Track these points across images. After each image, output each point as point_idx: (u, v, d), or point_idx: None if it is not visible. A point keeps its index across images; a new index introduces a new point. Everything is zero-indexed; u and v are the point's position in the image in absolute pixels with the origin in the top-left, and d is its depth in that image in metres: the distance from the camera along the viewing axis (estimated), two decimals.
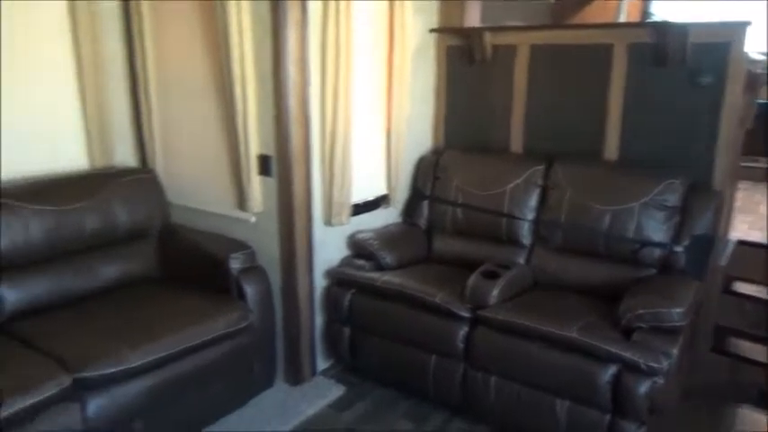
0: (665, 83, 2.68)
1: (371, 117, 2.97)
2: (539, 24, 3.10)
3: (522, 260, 2.85)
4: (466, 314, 2.47)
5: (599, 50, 2.82)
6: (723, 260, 3.07)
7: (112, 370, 2.02)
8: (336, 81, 2.60)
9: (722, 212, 2.70)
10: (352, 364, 2.90)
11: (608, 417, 2.20)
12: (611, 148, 2.85)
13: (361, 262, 2.88)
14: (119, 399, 2.06)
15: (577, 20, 3.15)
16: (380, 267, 2.85)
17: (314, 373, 2.89)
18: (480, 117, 3.23)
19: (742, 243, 3.51)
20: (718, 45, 2.55)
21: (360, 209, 2.98)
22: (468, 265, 2.74)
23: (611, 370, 2.15)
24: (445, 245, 3.08)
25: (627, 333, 2.23)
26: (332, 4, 2.52)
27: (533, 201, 2.86)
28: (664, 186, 2.55)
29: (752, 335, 2.96)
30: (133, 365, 2.07)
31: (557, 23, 3.19)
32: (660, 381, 2.10)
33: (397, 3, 2.84)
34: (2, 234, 2.27)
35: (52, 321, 2.27)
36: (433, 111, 3.37)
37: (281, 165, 2.59)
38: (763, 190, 5.46)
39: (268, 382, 2.72)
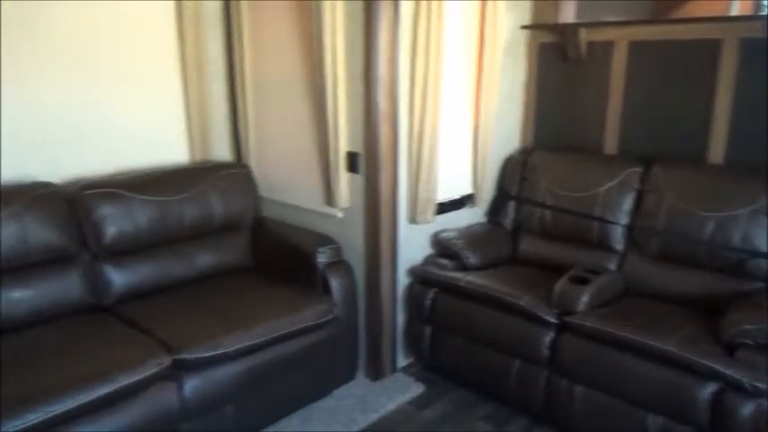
0: None
1: (459, 115, 2.95)
2: (639, 19, 2.94)
3: (613, 266, 2.73)
4: (552, 319, 2.40)
5: (705, 46, 2.64)
6: None
7: (208, 354, 2.14)
8: (425, 79, 2.61)
9: None
10: (432, 362, 2.89)
11: None
12: (717, 151, 2.66)
13: (444, 261, 2.87)
14: (213, 382, 2.17)
15: (681, 14, 2.96)
16: (464, 267, 2.83)
17: (394, 369, 2.91)
18: (572, 116, 3.13)
19: None
20: None
21: (444, 207, 2.97)
22: (555, 269, 2.67)
23: (712, 388, 2.02)
24: (531, 247, 3.00)
25: (730, 349, 2.08)
26: (423, 5, 2.52)
27: (628, 204, 2.73)
28: None
29: None
30: (227, 350, 2.17)
31: (658, 18, 3.01)
32: (765, 403, 1.95)
33: (489, 1, 2.80)
34: (112, 222, 2.45)
35: (155, 305, 2.43)
36: (521, 109, 3.30)
37: (368, 162, 2.63)
38: None
39: (350, 375, 2.77)
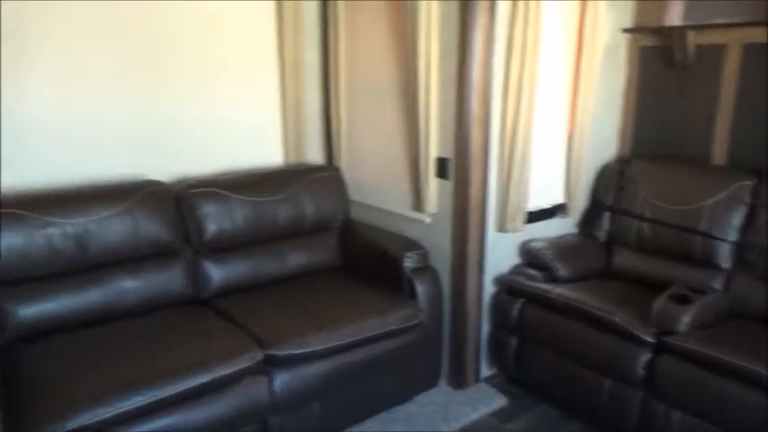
0: None
1: (553, 121, 2.87)
2: (754, 20, 2.73)
3: (718, 285, 2.54)
4: (649, 339, 2.27)
5: None
6: None
7: (298, 351, 2.20)
8: (520, 83, 2.56)
9: None
10: (517, 375, 2.83)
11: None
12: None
13: (533, 272, 2.79)
14: (301, 378, 2.23)
15: None
16: (554, 279, 2.74)
17: (477, 379, 2.87)
18: (676, 124, 2.95)
19: None
20: None
21: (534, 216, 2.90)
22: (653, 286, 2.53)
23: None
24: (627, 261, 2.86)
25: None
26: (521, 6, 2.48)
27: (738, 220, 2.54)
28: None
29: None
30: (316, 349, 2.23)
31: None
32: None
33: (590, 2, 2.71)
34: (213, 219, 2.58)
35: (248, 300, 2.54)
36: (619, 116, 3.16)
37: (458, 167, 2.61)
38: None
39: (432, 382, 2.76)
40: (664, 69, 2.95)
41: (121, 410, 1.83)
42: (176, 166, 2.77)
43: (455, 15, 2.47)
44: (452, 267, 2.73)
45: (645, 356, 2.28)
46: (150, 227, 2.41)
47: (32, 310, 2.18)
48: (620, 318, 2.36)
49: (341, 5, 3.03)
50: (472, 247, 2.68)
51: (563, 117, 2.90)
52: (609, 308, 2.42)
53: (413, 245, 2.70)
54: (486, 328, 2.87)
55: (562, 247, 2.88)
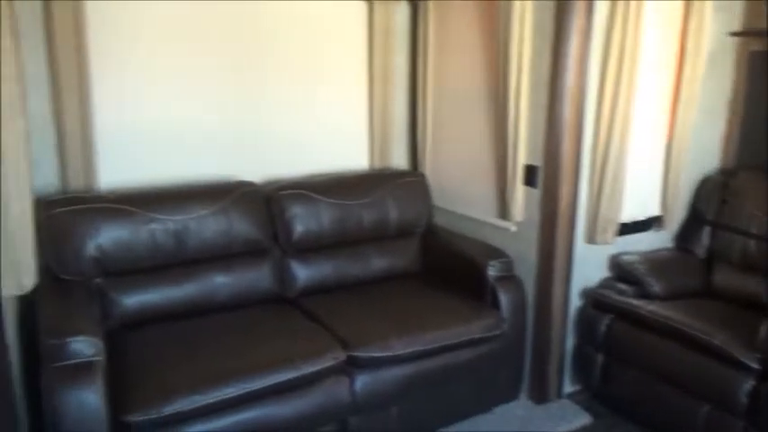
0: None
1: (650, 129, 2.73)
2: None
3: None
4: (754, 365, 2.11)
5: None
6: None
7: (380, 354, 2.22)
8: (616, 89, 2.46)
9: None
10: (603, 393, 2.70)
11: None
12: None
13: (623, 286, 2.67)
14: (381, 381, 2.25)
15: None
16: (646, 295, 2.60)
17: (560, 394, 2.77)
18: None
19: None
20: None
21: (626, 228, 2.76)
22: (758, 307, 2.38)
23: None
24: (729, 279, 2.67)
25: None
26: (620, 9, 2.39)
27: None
28: None
29: None
30: (398, 353, 2.24)
31: None
32: None
33: (696, 3, 2.56)
34: (301, 221, 2.65)
35: (332, 301, 2.59)
36: (723, 125, 2.96)
37: (547, 175, 2.55)
38: None
39: (513, 394, 2.69)
40: None
41: (213, 400, 1.91)
42: (265, 167, 2.85)
43: (550, 17, 2.41)
44: (537, 278, 2.66)
45: (748, 384, 2.12)
46: (242, 226, 2.51)
47: (135, 299, 2.32)
48: (720, 340, 2.21)
49: (431, 9, 3.03)
50: (559, 258, 2.60)
51: (661, 125, 2.75)
52: (708, 329, 2.27)
53: (497, 253, 2.65)
54: (570, 341, 2.77)
55: (656, 261, 2.73)
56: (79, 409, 1.73)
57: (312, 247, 2.72)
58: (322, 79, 2.98)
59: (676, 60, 2.68)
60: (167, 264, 2.39)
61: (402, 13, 3.13)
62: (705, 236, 2.81)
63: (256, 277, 2.57)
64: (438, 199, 3.13)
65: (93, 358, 1.80)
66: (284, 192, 2.67)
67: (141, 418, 1.80)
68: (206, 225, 2.43)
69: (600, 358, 2.66)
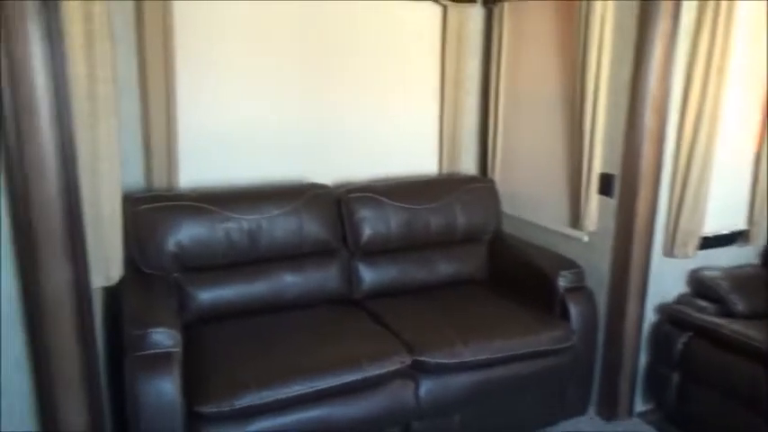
0: None
1: (738, 138, 2.59)
2: None
3: None
4: None
5: None
6: None
7: (446, 360, 2.20)
8: (702, 96, 2.35)
9: None
10: (677, 414, 2.57)
11: None
12: None
13: (703, 303, 2.53)
14: (446, 388, 2.23)
15: None
16: (728, 313, 2.46)
17: (631, 413, 2.66)
18: None
19: None
20: None
21: (708, 242, 2.63)
22: None
23: None
24: None
25: None
26: (709, 11, 2.28)
27: None
28: None
29: None
30: (464, 360, 2.22)
31: None
32: None
33: None
34: (369, 224, 2.67)
35: (398, 305, 2.59)
36: None
37: (624, 184, 2.45)
38: None
39: (581, 409, 2.61)
40: None
41: (281, 397, 1.96)
42: (336, 169, 2.90)
43: (632, 19, 2.32)
44: (610, 290, 2.57)
45: None
46: (313, 227, 2.55)
47: (210, 295, 2.41)
48: None
49: (506, 12, 3.00)
50: (634, 271, 2.50)
51: (750, 135, 2.60)
52: None
53: (568, 263, 2.58)
54: (643, 358, 2.66)
55: (741, 278, 2.58)
56: (157, 398, 1.81)
57: (379, 250, 2.73)
58: (394, 83, 3.00)
59: None
60: (241, 261, 2.47)
61: (476, 18, 3.12)
62: None
63: (324, 278, 2.61)
64: (507, 206, 3.08)
65: (172, 349, 1.88)
66: (354, 194, 2.70)
67: (214, 410, 1.86)
68: (278, 225, 2.49)
69: (675, 377, 2.54)
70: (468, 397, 2.29)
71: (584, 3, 2.39)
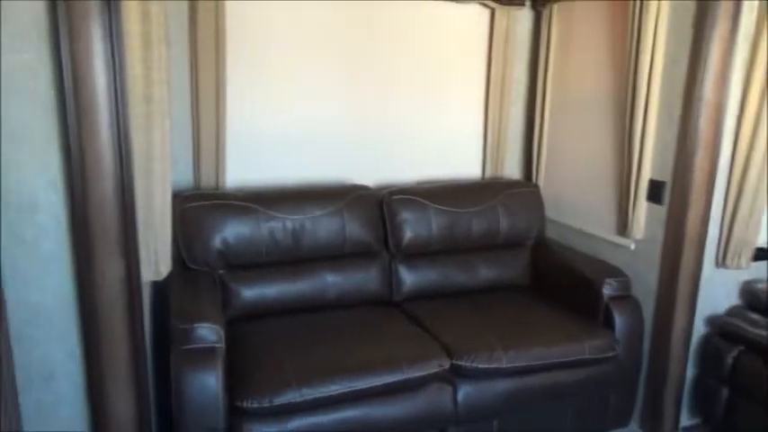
0: None
1: None
2: None
3: None
4: None
5: None
6: None
7: (486, 365, 2.19)
8: (762, 102, 2.26)
9: None
10: (725, 430, 2.48)
11: None
12: None
13: (756, 316, 2.43)
14: (484, 393, 2.22)
15: None
16: None
17: (676, 427, 2.58)
18: None
19: None
20: None
21: (763, 254, 2.52)
22: None
23: None
24: None
25: None
26: None
27: None
28: None
29: None
30: (503, 366, 2.20)
31: None
32: None
33: None
34: (410, 226, 2.67)
35: (438, 308, 2.58)
36: None
37: (675, 192, 2.38)
38: None
39: (622, 421, 2.55)
40: None
41: (320, 395, 1.98)
42: (379, 171, 2.92)
43: (688, 20, 2.25)
44: (657, 300, 2.49)
45: None
46: (355, 228, 2.57)
47: (253, 292, 2.45)
48: None
49: (555, 14, 2.95)
50: (683, 281, 2.42)
51: None
52: None
53: (614, 271, 2.52)
54: (690, 371, 2.57)
55: None
56: (201, 391, 1.85)
57: (420, 253, 2.73)
58: (439, 86, 3.00)
59: None
60: (283, 260, 2.51)
61: (524, 21, 3.09)
62: None
63: (365, 279, 2.63)
64: (551, 211, 3.03)
65: (216, 345, 1.92)
66: (396, 196, 2.71)
67: (255, 406, 1.90)
68: (321, 225, 2.52)
69: (725, 392, 2.44)
70: (506, 403, 2.26)
71: (637, 3, 2.33)
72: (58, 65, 1.49)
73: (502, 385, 2.23)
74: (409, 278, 2.71)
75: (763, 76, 2.24)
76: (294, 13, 2.66)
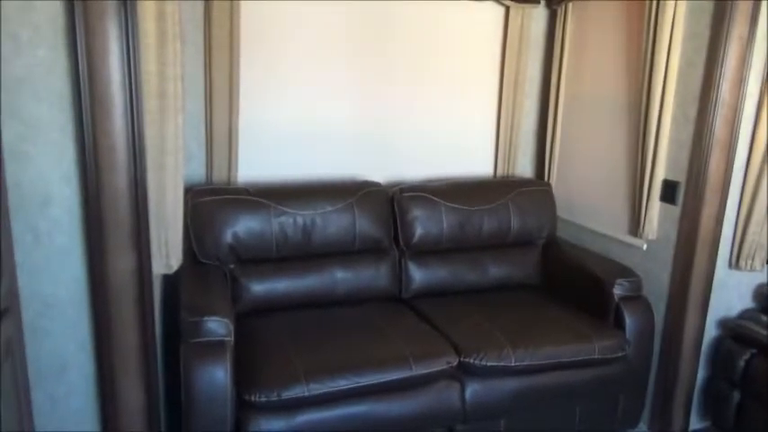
0: None
1: None
2: None
3: None
4: None
5: None
6: None
7: (494, 363, 2.18)
8: None
9: None
10: None
11: None
12: None
13: None
14: (492, 391, 2.22)
15: None
16: None
17: (685, 429, 2.56)
18: None
19: None
20: None
21: None
22: None
23: None
24: None
25: None
26: None
27: None
28: None
29: None
30: (512, 365, 2.19)
31: None
32: None
33: None
34: (421, 223, 2.67)
35: (447, 306, 2.58)
36: None
37: (689, 193, 2.36)
38: None
39: (631, 423, 2.53)
40: None
41: (328, 390, 1.98)
42: (391, 168, 2.92)
43: (705, 22, 2.23)
44: (669, 302, 2.47)
45: None
46: (365, 224, 2.57)
47: (263, 287, 2.46)
48: None
49: (570, 13, 2.93)
50: (696, 282, 2.40)
51: None
52: None
53: (625, 271, 2.50)
54: (701, 374, 2.55)
55: None
56: (210, 384, 1.87)
57: (430, 250, 2.73)
58: (452, 83, 2.99)
59: None
60: (293, 256, 2.52)
61: (539, 19, 3.07)
62: None
63: (374, 275, 2.63)
64: (563, 210, 3.02)
65: (225, 338, 1.93)
66: (407, 193, 2.71)
67: (263, 400, 1.91)
68: (331, 221, 2.53)
69: (736, 396, 2.42)
70: (514, 402, 2.26)
71: (653, 3, 2.31)
72: (74, 62, 1.51)
73: (510, 384, 2.23)
74: (419, 275, 2.71)
75: None
76: (308, 12, 2.67)
